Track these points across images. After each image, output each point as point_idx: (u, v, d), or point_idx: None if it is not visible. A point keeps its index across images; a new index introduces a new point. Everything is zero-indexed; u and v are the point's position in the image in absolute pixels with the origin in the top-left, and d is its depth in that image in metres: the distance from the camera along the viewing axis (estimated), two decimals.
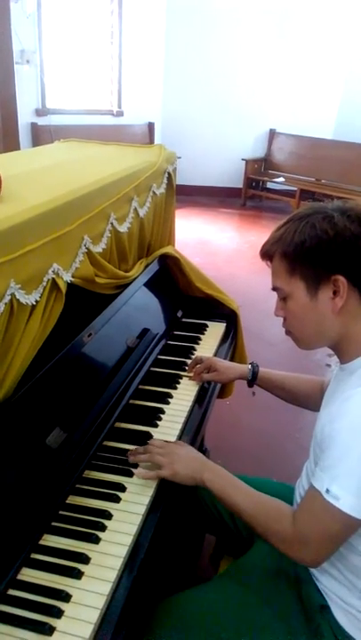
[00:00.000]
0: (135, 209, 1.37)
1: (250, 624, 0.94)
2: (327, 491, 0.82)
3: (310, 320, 0.93)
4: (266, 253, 0.97)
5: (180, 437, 1.17)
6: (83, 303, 1.17)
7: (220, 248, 5.06)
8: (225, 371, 1.36)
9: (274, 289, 0.98)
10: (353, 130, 6.20)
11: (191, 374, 1.39)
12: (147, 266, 1.55)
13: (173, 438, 1.15)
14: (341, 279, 0.87)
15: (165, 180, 1.59)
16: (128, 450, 1.09)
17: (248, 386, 1.36)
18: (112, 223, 1.21)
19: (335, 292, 0.88)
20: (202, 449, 1.93)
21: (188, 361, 1.48)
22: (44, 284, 0.94)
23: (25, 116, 4.92)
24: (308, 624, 0.94)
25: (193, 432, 1.22)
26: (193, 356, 1.51)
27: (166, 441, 1.09)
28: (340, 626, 0.92)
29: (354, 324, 0.90)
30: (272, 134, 6.56)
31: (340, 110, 6.53)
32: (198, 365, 1.38)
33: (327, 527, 0.83)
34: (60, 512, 0.92)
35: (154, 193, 1.50)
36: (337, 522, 0.82)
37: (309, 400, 1.25)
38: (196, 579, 1.42)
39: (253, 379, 1.33)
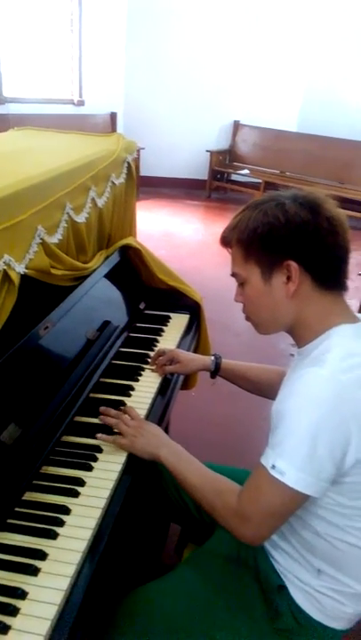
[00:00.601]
0: (93, 199, 1.34)
1: (212, 613, 0.95)
2: (273, 466, 0.83)
3: (266, 305, 0.95)
4: (224, 240, 0.99)
5: None
6: (41, 295, 1.15)
7: (185, 240, 5.05)
8: (188, 362, 1.36)
9: (233, 275, 0.99)
10: (316, 122, 6.28)
11: (154, 367, 1.39)
12: (107, 257, 1.52)
13: None
14: (293, 264, 0.88)
15: (125, 170, 1.57)
16: (88, 445, 1.08)
17: (211, 377, 1.36)
18: (68, 213, 1.18)
19: (288, 277, 0.90)
20: None
21: (151, 353, 1.47)
22: None
23: None
24: (268, 606, 0.96)
25: (156, 421, 1.22)
26: (156, 348, 1.50)
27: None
28: (297, 605, 0.94)
29: (307, 309, 0.92)
30: (236, 126, 6.57)
31: (303, 103, 6.60)
32: (161, 357, 1.38)
33: (270, 502, 0.85)
34: (16, 509, 0.90)
35: (113, 183, 1.48)
36: (281, 496, 0.84)
37: (272, 390, 1.24)
38: (162, 567, 1.42)
39: (216, 370, 1.34)
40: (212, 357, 1.35)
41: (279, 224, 0.88)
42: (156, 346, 1.52)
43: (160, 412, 1.26)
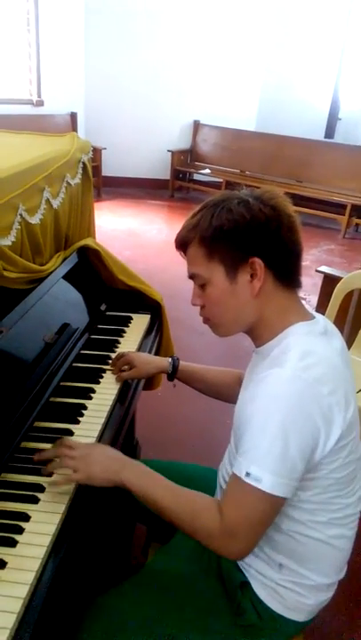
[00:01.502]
0: (48, 200, 1.32)
1: (178, 614, 0.96)
2: (247, 474, 0.82)
3: (230, 305, 0.94)
4: (182, 241, 0.97)
5: (102, 432, 1.16)
6: None
7: (149, 240, 5.04)
8: (143, 366, 1.33)
9: (191, 277, 0.98)
10: (273, 121, 6.39)
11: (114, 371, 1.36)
12: (65, 259, 1.50)
13: (96, 433, 1.14)
14: (258, 261, 0.89)
15: (80, 170, 1.55)
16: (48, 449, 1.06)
17: (168, 379, 1.35)
18: (21, 214, 1.16)
19: (252, 275, 0.90)
20: (132, 442, 1.93)
21: (112, 354, 1.46)
22: None
23: None
24: (231, 603, 0.97)
25: (117, 425, 1.21)
26: (117, 349, 1.49)
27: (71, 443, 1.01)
28: (260, 600, 0.96)
29: (268, 307, 0.93)
30: (196, 125, 6.60)
31: (260, 102, 6.70)
32: (119, 361, 1.36)
33: (253, 512, 0.84)
34: None
35: (68, 183, 1.46)
36: (261, 504, 0.83)
37: (230, 392, 1.24)
38: (130, 570, 1.42)
39: (174, 372, 1.32)
40: (170, 359, 1.33)
41: (244, 221, 0.88)
42: (117, 347, 1.51)
43: (121, 414, 1.26)
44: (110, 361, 1.40)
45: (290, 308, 0.94)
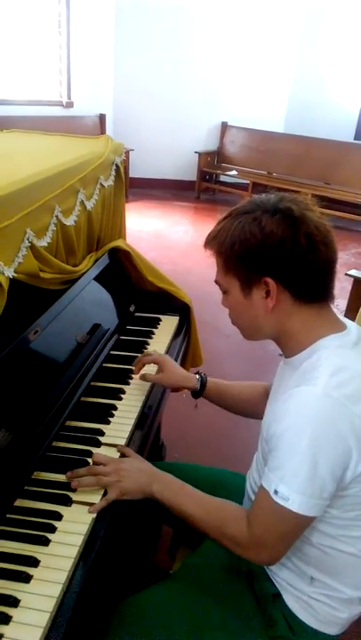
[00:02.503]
0: (82, 201, 1.33)
1: (205, 623, 0.95)
2: (276, 492, 0.82)
3: (246, 316, 0.94)
4: (206, 246, 0.97)
5: (132, 432, 1.16)
6: (30, 299, 1.14)
7: (175, 242, 5.05)
8: (171, 374, 1.28)
9: (216, 282, 0.98)
10: (302, 123, 6.32)
11: (137, 377, 1.32)
12: (96, 260, 1.52)
13: (126, 434, 1.14)
14: (271, 282, 0.87)
15: (113, 172, 1.56)
16: (79, 450, 1.07)
17: (193, 397, 1.30)
18: (57, 216, 1.18)
19: (267, 293, 0.88)
20: (158, 443, 1.93)
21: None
22: None
23: None
24: (262, 614, 0.96)
25: (146, 427, 1.21)
26: (146, 350, 1.50)
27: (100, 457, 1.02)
28: (292, 612, 0.94)
29: (289, 322, 0.90)
30: (224, 127, 6.59)
31: (289, 104, 6.64)
32: (145, 357, 1.32)
33: (280, 527, 0.85)
34: (8, 515, 0.89)
35: (102, 185, 1.47)
36: (288, 521, 0.83)
37: (256, 409, 1.20)
38: (156, 572, 1.42)
39: (201, 389, 1.27)
40: (197, 376, 1.28)
41: (255, 241, 0.85)
42: (146, 348, 1.51)
43: (151, 415, 1.26)
44: (140, 355, 1.36)
45: (317, 321, 0.90)
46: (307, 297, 0.89)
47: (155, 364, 1.31)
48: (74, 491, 0.96)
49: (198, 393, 1.28)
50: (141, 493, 0.96)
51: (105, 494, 0.95)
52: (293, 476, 0.81)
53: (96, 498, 0.95)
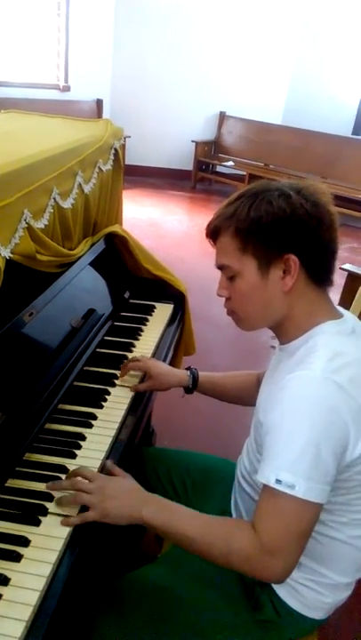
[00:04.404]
0: (80, 184, 1.32)
1: (194, 605, 0.96)
2: (278, 481, 0.79)
3: (258, 299, 0.91)
4: (215, 230, 0.93)
5: (125, 417, 1.16)
6: (24, 281, 1.13)
7: (169, 231, 5.03)
8: (161, 378, 1.25)
9: (219, 267, 0.95)
10: (300, 116, 6.30)
11: (125, 382, 1.26)
12: (92, 245, 1.51)
13: (119, 419, 1.14)
14: (293, 258, 0.87)
15: (112, 157, 1.55)
16: (71, 432, 1.07)
17: (186, 392, 1.28)
18: (55, 198, 1.17)
19: (285, 272, 0.88)
20: (148, 429, 1.94)
21: (135, 342, 1.46)
22: None
23: None
24: (249, 598, 0.97)
25: (139, 413, 1.22)
26: (140, 337, 1.50)
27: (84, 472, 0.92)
28: (278, 596, 0.96)
29: (298, 305, 0.91)
30: (222, 117, 6.55)
31: (288, 96, 6.61)
32: (131, 363, 1.27)
33: (290, 521, 0.80)
34: (0, 495, 0.90)
35: (100, 169, 1.46)
36: (297, 511, 0.79)
37: (250, 397, 1.18)
38: (142, 557, 1.43)
39: (194, 385, 1.26)
40: (188, 372, 1.26)
41: (284, 215, 0.85)
42: (140, 335, 1.51)
43: (143, 401, 1.26)
44: (125, 361, 1.31)
45: (319, 307, 0.92)
46: (318, 278, 0.90)
47: (141, 371, 1.27)
48: (66, 472, 0.96)
49: (191, 389, 1.28)
50: (127, 519, 0.86)
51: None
52: (297, 462, 0.78)
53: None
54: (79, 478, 0.90)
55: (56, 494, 0.90)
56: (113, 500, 0.87)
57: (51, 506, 0.89)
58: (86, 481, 0.89)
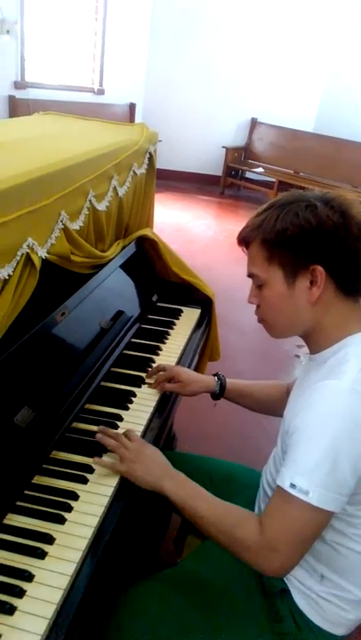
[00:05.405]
0: (115, 188, 1.34)
1: (214, 614, 0.95)
2: (292, 486, 0.80)
3: (285, 309, 0.92)
4: (244, 239, 0.95)
5: (150, 420, 1.17)
6: (57, 281, 1.15)
7: (196, 236, 5.04)
8: (189, 383, 1.26)
9: (250, 275, 0.96)
10: (333, 124, 6.24)
11: (152, 381, 1.28)
12: (124, 247, 1.52)
13: (144, 421, 1.15)
14: (320, 269, 0.87)
15: (146, 161, 1.56)
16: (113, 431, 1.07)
17: (213, 399, 1.29)
18: (90, 200, 1.18)
19: (312, 282, 0.88)
20: (170, 434, 1.94)
21: (162, 345, 1.47)
22: (18, 258, 0.91)
23: (2, 89, 4.78)
24: (270, 609, 0.96)
25: (164, 416, 1.22)
26: (167, 341, 1.50)
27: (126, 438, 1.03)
28: (299, 609, 0.94)
29: (327, 315, 0.90)
30: (253, 123, 6.54)
31: (321, 104, 6.56)
32: (160, 373, 1.28)
33: (296, 525, 0.81)
34: (26, 492, 0.91)
35: (134, 173, 1.47)
36: (306, 517, 0.80)
37: (279, 407, 1.18)
38: (161, 563, 1.42)
39: (221, 391, 1.27)
40: (216, 378, 1.27)
41: (310, 227, 0.86)
42: (167, 338, 1.52)
43: (169, 405, 1.26)
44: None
45: (351, 317, 0.91)
46: (347, 289, 0.89)
47: (169, 378, 1.27)
48: (91, 472, 0.97)
49: (218, 395, 1.28)
50: (148, 485, 0.95)
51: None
52: (315, 469, 0.78)
53: (113, 481, 0.96)
54: (125, 439, 1.01)
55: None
56: (143, 464, 0.96)
57: (76, 504, 0.90)
58: (128, 440, 1.00)
